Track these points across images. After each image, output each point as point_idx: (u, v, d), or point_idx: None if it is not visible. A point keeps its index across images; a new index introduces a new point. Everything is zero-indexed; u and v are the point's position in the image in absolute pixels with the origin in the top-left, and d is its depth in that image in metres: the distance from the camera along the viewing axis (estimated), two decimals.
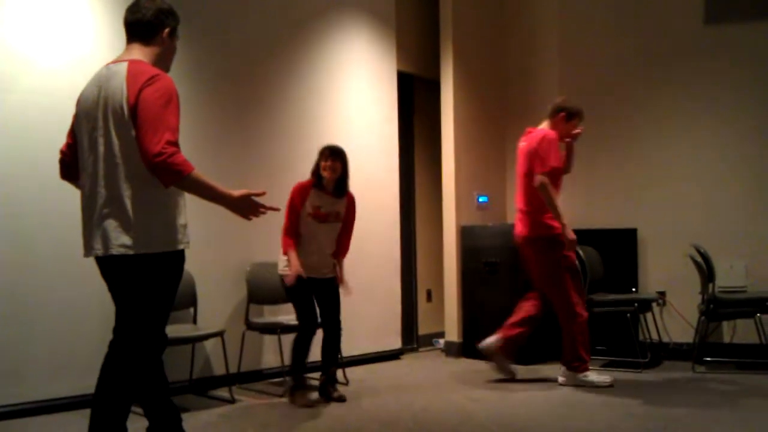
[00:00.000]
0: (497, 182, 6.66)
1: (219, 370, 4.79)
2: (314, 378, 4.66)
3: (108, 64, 2.79)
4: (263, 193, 2.78)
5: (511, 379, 4.96)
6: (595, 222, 6.12)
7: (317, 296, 4.46)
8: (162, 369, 2.93)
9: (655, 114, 6.08)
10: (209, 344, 4.82)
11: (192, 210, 4.62)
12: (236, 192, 2.73)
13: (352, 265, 5.26)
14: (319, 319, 4.47)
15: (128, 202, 2.63)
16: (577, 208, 6.23)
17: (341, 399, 4.42)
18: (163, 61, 2.86)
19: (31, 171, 4.06)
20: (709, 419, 3.85)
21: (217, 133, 5.02)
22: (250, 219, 2.81)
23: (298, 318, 4.41)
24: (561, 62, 6.39)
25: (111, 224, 2.64)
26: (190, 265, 4.68)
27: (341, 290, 4.54)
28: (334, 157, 4.35)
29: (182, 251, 2.77)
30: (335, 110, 5.78)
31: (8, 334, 3.97)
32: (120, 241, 2.62)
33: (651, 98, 6.10)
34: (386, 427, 3.82)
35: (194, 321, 4.70)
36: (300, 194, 4.37)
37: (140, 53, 2.79)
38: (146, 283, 2.69)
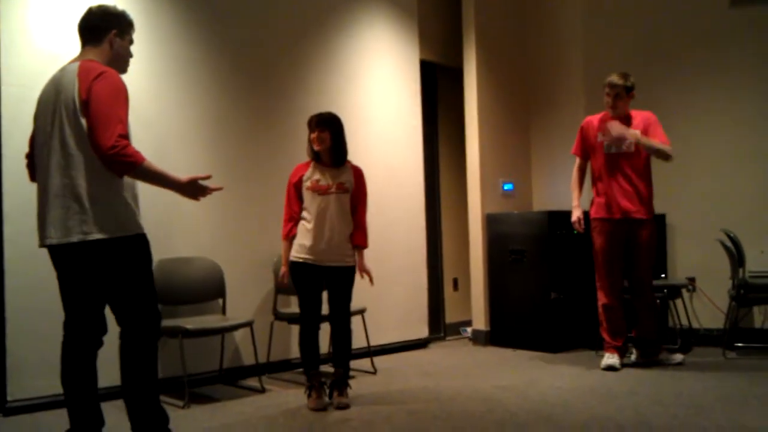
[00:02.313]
0: (522, 169, 6.62)
1: (248, 360, 4.85)
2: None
3: (63, 66, 2.94)
4: (208, 177, 3.00)
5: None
6: None
7: (327, 286, 4.17)
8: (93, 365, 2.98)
9: (681, 99, 6.00)
10: (238, 335, 4.87)
11: (220, 202, 4.70)
12: (184, 177, 2.92)
13: (378, 254, 5.29)
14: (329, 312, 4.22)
15: (82, 191, 2.78)
16: None
17: (342, 406, 4.01)
18: (116, 62, 3.00)
19: None
20: (740, 405, 3.82)
21: (240, 121, 5.06)
22: (198, 199, 3.03)
23: (299, 310, 4.15)
24: (585, 48, 6.33)
25: (67, 212, 2.79)
26: (219, 257, 4.79)
27: (362, 278, 4.19)
28: (320, 127, 4.07)
29: (142, 236, 2.91)
30: (358, 100, 5.78)
31: (49, 328, 4.03)
32: (78, 228, 2.77)
33: (677, 82, 6.02)
34: (414, 415, 3.83)
35: (223, 312, 4.75)
36: (296, 171, 4.16)
37: (92, 54, 2.95)
38: (110, 268, 2.83)
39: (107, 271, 2.84)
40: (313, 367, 4.10)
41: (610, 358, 4.83)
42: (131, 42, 3.07)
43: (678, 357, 4.94)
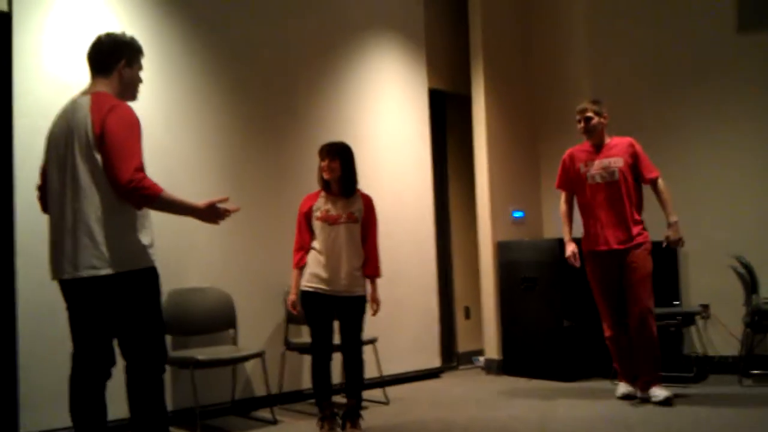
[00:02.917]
0: (532, 196, 6.62)
1: (260, 390, 4.82)
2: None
3: (73, 98, 2.96)
4: (225, 199, 3.01)
5: None
6: None
7: (338, 316, 4.15)
8: (102, 398, 2.97)
9: (692, 125, 5.99)
10: (250, 365, 4.85)
11: (232, 232, 4.71)
12: (201, 203, 2.94)
13: (388, 282, 5.27)
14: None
15: (94, 225, 2.78)
16: None
17: None
18: (126, 91, 3.02)
19: None
20: None
21: (251, 151, 5.09)
22: (218, 223, 3.04)
23: (311, 340, 4.13)
24: (592, 75, 6.36)
25: (78, 247, 2.79)
26: (230, 287, 4.78)
27: (371, 307, 4.22)
28: (331, 156, 4.09)
29: (152, 269, 2.90)
30: (367, 129, 5.81)
31: (62, 358, 4.03)
32: (89, 262, 2.78)
33: (687, 109, 6.01)
34: None
35: (234, 342, 4.73)
36: (306, 201, 4.18)
37: (102, 85, 2.96)
38: (119, 302, 2.83)
39: (116, 305, 2.84)
40: (325, 398, 4.07)
41: (625, 387, 4.77)
42: (140, 69, 3.09)
43: (662, 393, 4.55)
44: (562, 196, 5.00)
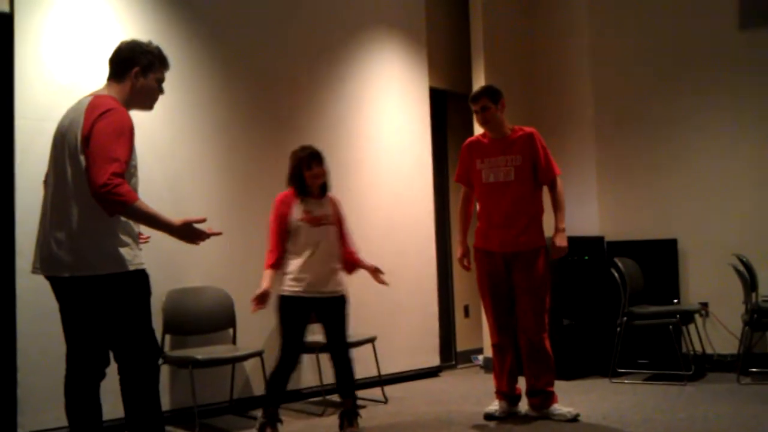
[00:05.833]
0: None
1: (259, 390, 4.82)
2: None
3: (81, 99, 2.93)
4: (203, 220, 2.86)
5: None
6: (634, 233, 6.04)
7: (320, 318, 4.10)
8: (96, 399, 2.96)
9: (692, 122, 5.99)
10: (248, 364, 4.86)
11: (231, 231, 4.71)
12: (177, 220, 2.81)
13: (387, 280, 5.29)
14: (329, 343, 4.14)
15: (77, 227, 2.76)
16: (617, 219, 6.19)
17: None
18: (137, 99, 2.97)
19: None
20: None
21: (251, 149, 5.09)
22: (196, 244, 2.91)
23: (283, 343, 4.01)
24: (593, 73, 6.36)
25: (60, 247, 2.78)
26: (229, 286, 4.79)
27: (377, 278, 4.24)
28: (319, 161, 4.08)
29: (137, 272, 2.83)
30: (368, 128, 5.81)
31: (60, 360, 4.03)
32: (71, 263, 2.76)
33: (688, 106, 6.01)
34: None
35: (233, 341, 4.74)
36: (285, 203, 4.08)
37: (110, 89, 2.94)
38: (102, 304, 2.81)
39: (99, 308, 2.83)
40: (275, 404, 3.99)
41: (493, 405, 4.40)
42: (160, 79, 3.02)
43: (569, 412, 4.25)
44: (462, 191, 4.57)
